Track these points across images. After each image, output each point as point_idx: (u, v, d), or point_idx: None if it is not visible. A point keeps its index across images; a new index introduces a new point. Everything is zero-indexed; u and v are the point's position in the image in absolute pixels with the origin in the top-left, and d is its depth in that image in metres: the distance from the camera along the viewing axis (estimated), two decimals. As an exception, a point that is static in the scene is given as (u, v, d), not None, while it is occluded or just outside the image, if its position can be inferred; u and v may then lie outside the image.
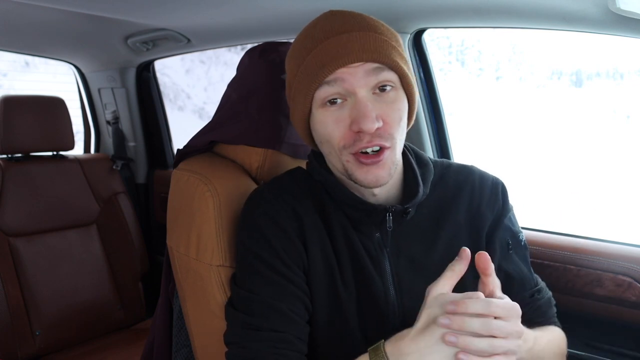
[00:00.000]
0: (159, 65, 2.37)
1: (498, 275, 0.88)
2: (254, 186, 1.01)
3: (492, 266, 0.74)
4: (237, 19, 1.54)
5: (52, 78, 4.64)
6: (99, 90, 2.32)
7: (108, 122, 2.34)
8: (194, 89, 6.22)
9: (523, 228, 1.01)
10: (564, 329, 0.97)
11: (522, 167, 4.14)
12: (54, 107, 1.97)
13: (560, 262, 1.24)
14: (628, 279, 1.15)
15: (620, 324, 1.18)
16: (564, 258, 1.24)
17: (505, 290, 0.88)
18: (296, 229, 0.87)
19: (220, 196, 0.96)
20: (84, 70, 2.31)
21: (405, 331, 0.73)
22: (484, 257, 0.73)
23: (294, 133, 0.99)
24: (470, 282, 0.78)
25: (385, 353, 0.72)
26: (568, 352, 0.97)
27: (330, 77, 0.81)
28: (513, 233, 0.95)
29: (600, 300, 1.19)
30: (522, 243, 0.97)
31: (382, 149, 0.82)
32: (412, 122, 0.90)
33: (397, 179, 0.91)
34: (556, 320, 0.98)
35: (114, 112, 2.31)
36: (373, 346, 0.75)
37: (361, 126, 0.78)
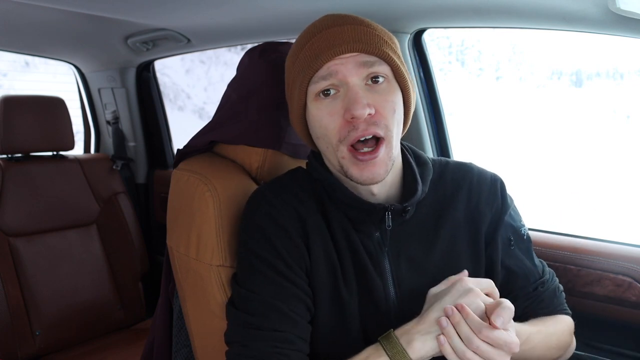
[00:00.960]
0: (159, 65, 2.37)
1: (500, 272, 0.92)
2: (254, 186, 1.01)
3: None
4: (237, 19, 1.54)
5: (52, 78, 4.64)
6: (99, 90, 2.32)
7: (108, 122, 2.34)
8: (194, 89, 6.22)
9: (523, 227, 1.00)
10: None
11: (522, 166, 4.14)
12: (54, 107, 1.97)
13: (560, 262, 1.24)
14: (628, 279, 1.15)
15: (620, 324, 1.18)
16: (564, 258, 1.24)
17: (508, 285, 0.91)
18: (298, 229, 0.87)
19: (220, 196, 0.96)
20: (84, 70, 2.31)
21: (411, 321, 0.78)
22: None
23: (294, 133, 0.99)
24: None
25: (396, 337, 0.76)
26: (568, 352, 0.97)
27: (324, 72, 0.82)
28: (514, 229, 0.95)
29: (600, 300, 1.19)
30: (525, 236, 0.96)
31: (377, 145, 0.82)
32: (410, 120, 0.91)
33: (397, 178, 0.91)
34: (565, 307, 0.97)
35: (114, 112, 2.31)
36: (382, 335, 0.78)
37: (352, 112, 0.79)
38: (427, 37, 1.49)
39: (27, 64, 5.35)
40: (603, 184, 4.06)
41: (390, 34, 0.88)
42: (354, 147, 0.82)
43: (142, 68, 2.24)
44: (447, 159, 1.01)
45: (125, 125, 2.33)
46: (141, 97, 2.30)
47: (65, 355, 1.83)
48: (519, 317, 0.86)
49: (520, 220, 0.97)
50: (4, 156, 1.92)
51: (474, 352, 0.71)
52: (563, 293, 0.99)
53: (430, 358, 0.76)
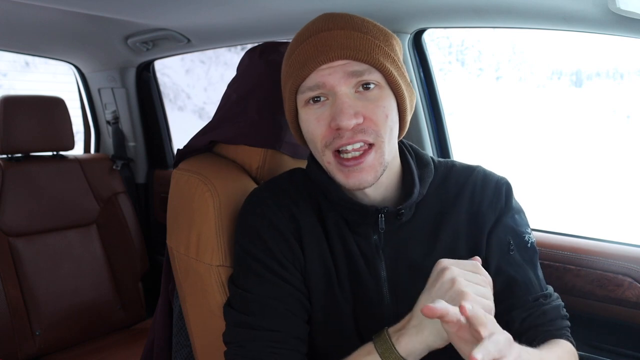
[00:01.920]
0: (159, 65, 2.37)
1: (498, 278, 0.85)
2: (254, 186, 1.01)
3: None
4: (237, 19, 1.54)
5: (52, 78, 4.64)
6: (99, 90, 2.32)
7: (108, 122, 2.34)
8: (194, 89, 6.22)
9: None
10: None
11: (522, 166, 4.14)
12: (54, 107, 1.97)
13: (560, 262, 1.24)
14: (628, 279, 1.15)
15: (620, 324, 1.18)
16: (564, 258, 1.24)
17: (505, 293, 0.86)
18: (293, 230, 0.87)
19: (220, 196, 0.96)
20: (84, 70, 2.31)
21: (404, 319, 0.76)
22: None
23: (293, 133, 0.99)
24: None
25: (388, 334, 0.75)
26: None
27: (311, 82, 0.80)
28: (516, 233, 0.90)
29: (600, 300, 1.19)
30: (529, 245, 0.91)
31: (364, 151, 0.80)
32: (408, 124, 0.88)
33: (395, 179, 0.90)
34: (568, 334, 0.87)
35: (114, 112, 2.31)
36: (376, 333, 0.77)
37: (338, 122, 0.78)
38: (427, 37, 1.49)
39: (27, 64, 5.36)
40: (603, 183, 4.07)
41: (388, 35, 0.85)
42: (339, 153, 0.81)
43: (142, 68, 2.24)
44: (453, 161, 0.98)
45: (125, 125, 2.33)
46: (141, 97, 2.30)
47: (65, 355, 1.83)
48: (517, 331, 0.83)
49: (526, 228, 0.92)
50: (4, 156, 1.92)
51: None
52: (569, 322, 0.89)
53: (422, 354, 0.74)
